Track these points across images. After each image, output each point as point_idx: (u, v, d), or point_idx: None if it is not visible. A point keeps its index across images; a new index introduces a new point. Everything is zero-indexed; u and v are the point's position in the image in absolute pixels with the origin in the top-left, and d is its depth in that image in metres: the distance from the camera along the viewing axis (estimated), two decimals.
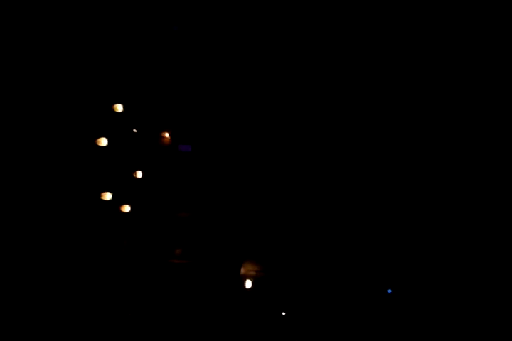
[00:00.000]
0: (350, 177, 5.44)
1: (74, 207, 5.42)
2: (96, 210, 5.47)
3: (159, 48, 5.63)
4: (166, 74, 5.68)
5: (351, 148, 5.46)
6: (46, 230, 5.33)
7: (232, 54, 5.64)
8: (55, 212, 5.38)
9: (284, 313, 5.42)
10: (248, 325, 5.38)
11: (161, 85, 5.69)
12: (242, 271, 5.49)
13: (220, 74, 5.69)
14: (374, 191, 5.42)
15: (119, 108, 5.54)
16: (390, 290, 5.12)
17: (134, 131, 5.59)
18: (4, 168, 5.31)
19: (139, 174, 5.59)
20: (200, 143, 5.76)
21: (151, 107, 5.68)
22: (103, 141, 5.46)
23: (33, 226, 5.31)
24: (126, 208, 5.52)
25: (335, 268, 5.51)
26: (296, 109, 5.54)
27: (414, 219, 5.38)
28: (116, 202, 5.51)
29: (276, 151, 5.67)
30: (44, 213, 5.35)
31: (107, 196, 5.47)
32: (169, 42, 5.63)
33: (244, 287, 5.46)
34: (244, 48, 5.59)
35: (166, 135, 5.74)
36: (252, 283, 5.47)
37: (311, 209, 5.58)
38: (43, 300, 5.14)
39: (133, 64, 5.59)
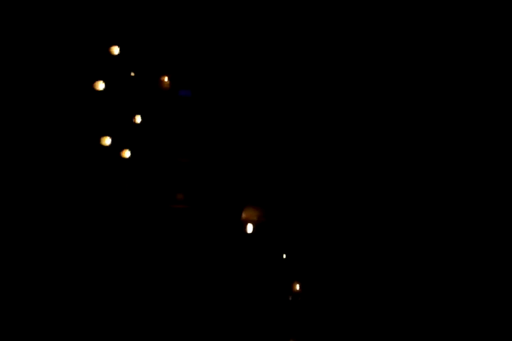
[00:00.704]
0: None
1: (74, 153, 5.37)
2: (96, 156, 5.42)
3: None
4: (166, 14, 5.58)
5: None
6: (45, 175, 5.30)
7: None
8: (54, 158, 5.33)
9: (284, 256, 5.39)
10: (249, 268, 5.36)
11: (160, 27, 5.60)
12: (244, 215, 5.45)
13: (222, 17, 5.59)
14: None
15: (115, 50, 5.45)
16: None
17: (132, 74, 5.50)
18: None
19: (138, 119, 5.53)
20: (200, 88, 5.68)
21: (150, 50, 5.59)
22: (100, 85, 5.38)
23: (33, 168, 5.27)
24: (127, 153, 5.46)
25: (338, 214, 5.47)
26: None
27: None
28: (116, 147, 5.45)
29: (282, 97, 5.60)
30: (43, 156, 5.30)
31: (107, 141, 5.41)
32: None
33: (245, 231, 5.42)
34: None
35: (166, 79, 5.65)
36: (253, 228, 5.43)
37: (315, 154, 5.52)
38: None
39: (130, 3, 5.49)
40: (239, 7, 5.51)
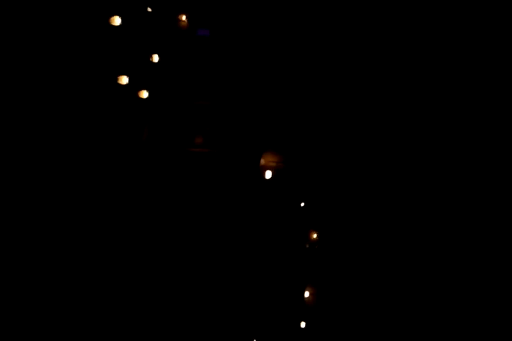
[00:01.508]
0: None
1: (90, 93, 5.18)
2: (113, 95, 5.23)
3: None
4: None
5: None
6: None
7: None
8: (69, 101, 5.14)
9: (302, 204, 5.30)
10: (266, 216, 5.26)
11: None
12: (262, 161, 5.33)
13: None
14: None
15: None
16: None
17: (149, 10, 5.28)
18: None
19: (155, 58, 5.33)
20: (219, 27, 5.49)
21: None
22: (116, 20, 5.15)
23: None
24: (144, 94, 5.28)
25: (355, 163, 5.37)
26: None
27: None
28: (134, 86, 5.26)
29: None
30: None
31: (124, 80, 5.21)
32: None
33: (264, 177, 5.31)
34: None
35: (183, 18, 5.45)
36: (272, 174, 5.31)
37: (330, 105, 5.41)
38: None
39: None
40: None
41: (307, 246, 5.24)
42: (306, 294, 5.15)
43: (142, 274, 4.97)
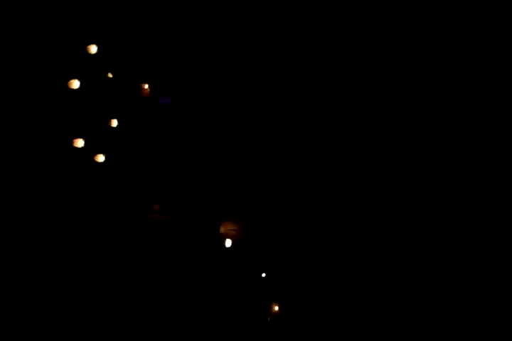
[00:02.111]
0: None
1: (44, 153, 5.01)
2: (68, 157, 5.06)
3: None
4: (149, 20, 5.33)
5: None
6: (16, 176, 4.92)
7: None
8: (24, 155, 4.96)
9: (264, 275, 5.04)
10: (228, 284, 4.99)
11: (143, 33, 5.34)
12: (222, 229, 5.11)
13: (210, 27, 5.36)
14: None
15: (93, 49, 5.16)
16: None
17: (110, 75, 5.20)
18: None
19: (114, 123, 5.21)
20: (180, 96, 5.40)
21: (130, 55, 5.32)
22: (75, 83, 5.06)
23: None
24: (101, 158, 5.12)
25: (317, 228, 5.16)
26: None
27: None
28: (90, 150, 5.11)
29: (260, 109, 5.35)
30: (13, 156, 4.93)
31: (79, 143, 5.06)
32: None
33: (223, 246, 5.08)
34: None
35: (146, 86, 5.37)
36: (232, 242, 5.09)
37: (294, 169, 5.25)
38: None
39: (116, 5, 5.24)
40: (218, 12, 5.30)
41: (268, 319, 4.96)
42: None
43: None
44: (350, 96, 5.30)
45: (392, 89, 5.28)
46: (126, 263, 4.91)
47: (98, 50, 5.16)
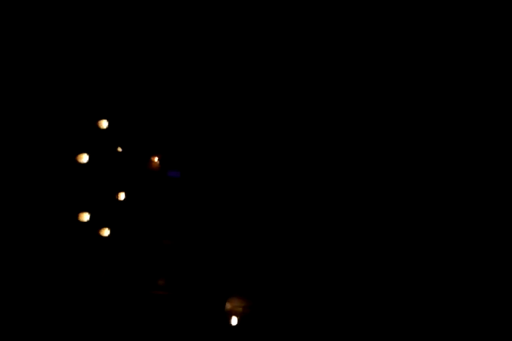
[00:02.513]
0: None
1: (47, 227, 4.96)
2: (72, 232, 5.00)
3: (151, 61, 5.29)
4: (158, 94, 5.33)
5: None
6: (17, 249, 4.86)
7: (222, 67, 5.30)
8: (27, 230, 4.92)
9: None
10: None
11: (153, 106, 5.33)
12: (228, 306, 4.98)
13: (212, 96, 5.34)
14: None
15: (104, 124, 5.15)
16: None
17: (119, 150, 5.18)
18: None
19: (121, 196, 5.15)
20: (190, 170, 5.35)
21: (140, 128, 5.30)
22: (84, 158, 5.04)
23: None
24: (106, 232, 5.05)
25: (324, 308, 5.01)
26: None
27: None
28: (95, 224, 5.05)
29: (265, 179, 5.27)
30: (15, 230, 4.89)
31: (85, 217, 5.01)
32: (161, 57, 5.30)
33: (229, 323, 4.94)
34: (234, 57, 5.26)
35: (155, 159, 5.33)
36: (238, 319, 4.95)
37: (298, 245, 5.14)
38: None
39: (122, 76, 5.24)
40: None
41: None
42: None
43: None
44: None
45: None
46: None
47: (108, 124, 5.15)
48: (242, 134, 5.32)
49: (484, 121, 5.11)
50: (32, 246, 4.85)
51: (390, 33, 5.21)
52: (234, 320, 4.95)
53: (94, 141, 5.13)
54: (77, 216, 5.00)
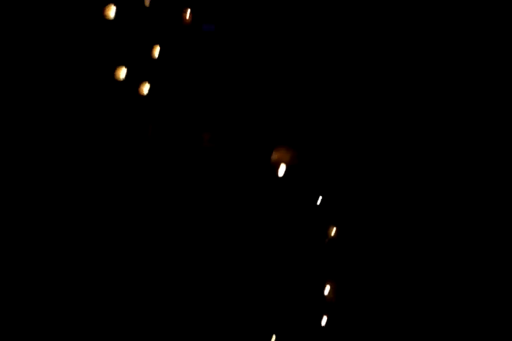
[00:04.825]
0: None
1: (87, 89, 4.86)
2: (112, 91, 4.91)
3: None
4: None
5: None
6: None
7: None
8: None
9: (319, 202, 4.89)
10: (281, 214, 4.85)
11: None
12: (275, 156, 4.94)
13: None
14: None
15: None
16: None
17: (147, 3, 5.00)
18: None
19: (156, 51, 5.02)
20: (225, 23, 5.20)
21: None
22: (112, 10, 4.84)
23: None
24: (145, 89, 4.95)
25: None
26: None
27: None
28: (133, 81, 4.94)
29: None
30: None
31: (122, 73, 4.89)
32: None
33: (276, 174, 4.91)
34: None
35: (188, 12, 5.16)
36: (286, 169, 4.92)
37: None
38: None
39: None
40: None
41: (326, 242, 4.82)
42: (327, 290, 4.71)
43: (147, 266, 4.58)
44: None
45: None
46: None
47: None
48: None
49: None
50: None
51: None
52: (282, 169, 4.92)
53: None
54: (113, 73, 4.89)
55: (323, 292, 4.71)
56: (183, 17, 5.15)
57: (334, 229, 4.86)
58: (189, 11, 5.15)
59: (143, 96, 4.96)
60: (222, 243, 4.75)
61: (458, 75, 5.08)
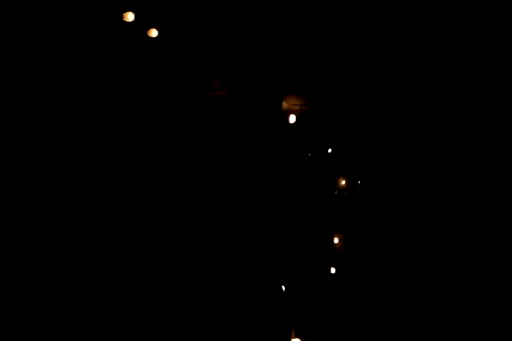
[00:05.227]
0: None
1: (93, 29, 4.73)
2: (118, 33, 4.78)
3: None
4: None
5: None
6: None
7: None
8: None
9: (330, 151, 4.80)
10: (292, 161, 4.77)
11: None
12: (285, 105, 4.84)
13: None
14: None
15: None
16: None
17: None
18: None
19: None
20: None
21: None
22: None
23: None
24: (154, 32, 4.82)
25: None
26: None
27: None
28: (141, 24, 4.81)
29: None
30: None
31: (129, 16, 4.76)
32: None
33: (287, 122, 4.82)
34: None
35: None
36: (296, 118, 4.83)
37: None
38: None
39: None
40: None
41: (336, 192, 4.75)
42: (336, 240, 4.66)
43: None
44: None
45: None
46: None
47: None
48: None
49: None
50: None
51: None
52: (292, 118, 4.83)
53: None
54: (121, 16, 4.76)
55: (332, 242, 4.67)
56: None
57: (344, 180, 4.80)
58: None
59: (152, 39, 4.85)
60: (233, 190, 4.69)
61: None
